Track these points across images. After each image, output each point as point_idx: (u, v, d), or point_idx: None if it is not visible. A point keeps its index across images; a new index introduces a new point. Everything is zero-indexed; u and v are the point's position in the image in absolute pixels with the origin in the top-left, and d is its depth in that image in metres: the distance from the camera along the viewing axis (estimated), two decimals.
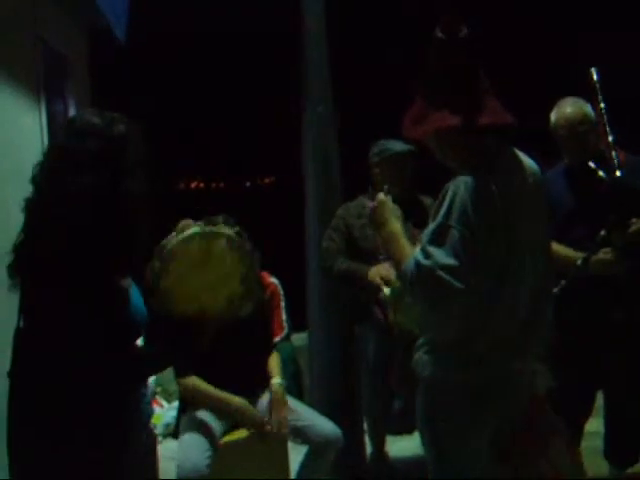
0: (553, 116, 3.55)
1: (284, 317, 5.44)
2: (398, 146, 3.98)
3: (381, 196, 2.65)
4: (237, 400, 3.46)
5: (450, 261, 2.23)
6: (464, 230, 2.26)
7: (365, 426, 4.45)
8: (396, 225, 2.53)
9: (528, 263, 2.42)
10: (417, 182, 4.12)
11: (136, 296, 2.25)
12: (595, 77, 3.40)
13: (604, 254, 3.30)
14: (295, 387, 5.19)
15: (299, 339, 5.41)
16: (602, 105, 3.36)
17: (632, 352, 3.49)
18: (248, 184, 52.20)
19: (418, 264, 2.28)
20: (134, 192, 2.08)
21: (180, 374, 3.54)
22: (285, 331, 5.42)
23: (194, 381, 3.48)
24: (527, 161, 2.55)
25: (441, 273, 2.22)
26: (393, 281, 3.15)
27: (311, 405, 4.09)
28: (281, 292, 5.44)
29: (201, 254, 2.25)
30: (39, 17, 4.27)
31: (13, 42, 3.91)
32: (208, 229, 2.31)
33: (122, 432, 2.16)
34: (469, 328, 2.39)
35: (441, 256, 2.25)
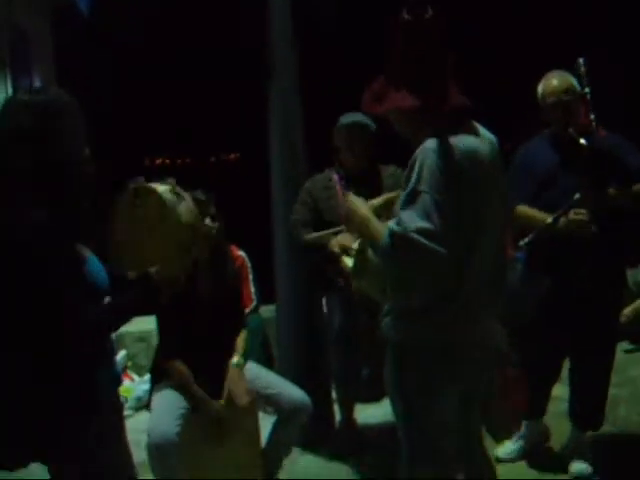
0: (540, 87, 3.74)
1: (252, 289, 5.49)
2: (352, 118, 4.08)
3: (349, 197, 2.69)
4: (214, 404, 3.50)
5: (424, 224, 2.28)
6: (435, 194, 2.30)
7: (334, 394, 4.54)
8: (363, 211, 2.56)
9: (491, 229, 2.50)
10: (381, 151, 4.20)
11: (95, 264, 2.30)
12: (582, 66, 3.64)
13: (575, 214, 3.47)
14: (264, 358, 5.26)
15: (267, 311, 5.47)
16: (587, 90, 3.62)
17: (597, 318, 3.67)
18: (213, 159, 51.84)
19: (392, 232, 2.32)
20: (71, 160, 2.17)
21: (165, 356, 3.59)
22: (254, 303, 5.47)
23: (178, 367, 3.50)
24: (487, 134, 2.62)
25: (416, 236, 2.26)
26: (353, 250, 3.22)
27: (280, 375, 4.17)
28: (249, 265, 5.50)
29: (147, 211, 2.30)
30: None
31: None
32: (148, 186, 2.35)
33: (88, 397, 2.23)
34: (441, 292, 2.45)
35: (414, 220, 2.29)
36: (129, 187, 2.33)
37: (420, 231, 2.27)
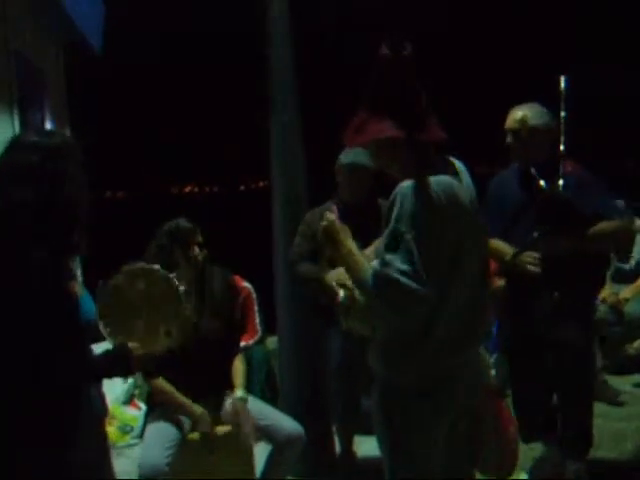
0: (506, 121, 3.73)
1: (257, 320, 5.51)
2: (352, 158, 4.11)
3: (329, 216, 2.76)
4: (197, 409, 3.55)
5: (406, 266, 2.34)
6: (415, 234, 2.36)
7: (334, 426, 4.54)
8: (347, 243, 2.63)
9: (471, 259, 2.55)
10: (380, 185, 4.23)
11: (88, 302, 2.38)
12: (562, 85, 3.60)
13: (526, 257, 3.57)
14: (269, 389, 5.28)
15: (273, 342, 5.49)
16: (563, 114, 3.58)
17: (567, 351, 3.74)
18: (242, 188, 52.20)
19: (375, 273, 2.40)
20: (71, 198, 2.23)
21: (147, 376, 3.66)
22: (259, 334, 5.49)
23: (159, 383, 3.59)
24: (462, 169, 2.68)
25: (399, 277, 2.33)
26: (348, 285, 3.26)
27: (281, 406, 4.19)
28: (254, 296, 5.53)
29: (142, 291, 2.40)
30: (13, 31, 4.36)
31: None
32: (146, 268, 2.45)
33: (69, 431, 2.26)
34: (420, 327, 2.49)
35: (397, 262, 2.35)
36: (131, 268, 2.43)
37: (403, 272, 2.33)
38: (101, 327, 2.36)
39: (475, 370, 2.69)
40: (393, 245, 2.39)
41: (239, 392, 3.67)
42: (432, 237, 2.40)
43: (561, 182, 3.53)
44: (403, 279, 2.33)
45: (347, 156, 4.15)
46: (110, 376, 2.40)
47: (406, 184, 2.45)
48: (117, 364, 2.32)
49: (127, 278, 2.41)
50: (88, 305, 2.38)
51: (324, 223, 2.72)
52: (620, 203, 5.29)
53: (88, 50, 5.36)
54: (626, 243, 5.06)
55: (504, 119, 3.73)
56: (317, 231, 4.11)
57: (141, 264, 2.46)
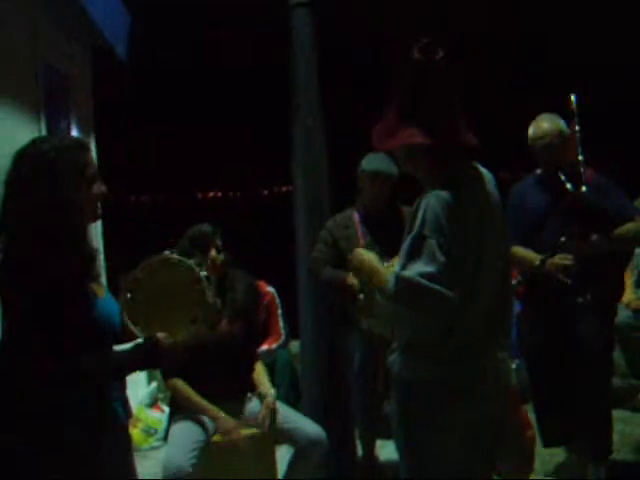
0: (531, 129, 3.86)
1: (281, 324, 5.56)
2: (375, 165, 4.14)
3: (358, 252, 2.79)
4: (213, 408, 3.59)
5: (430, 269, 2.36)
6: (440, 238, 2.39)
7: (356, 430, 4.56)
8: (370, 263, 2.66)
9: (494, 266, 2.57)
10: (403, 192, 4.25)
11: (110, 302, 2.41)
12: (574, 102, 3.74)
13: (559, 259, 3.63)
14: (293, 393, 5.30)
15: (296, 346, 5.53)
16: (577, 128, 3.71)
17: (589, 353, 3.76)
18: (265, 192, 52.38)
19: (397, 277, 2.42)
20: (71, 199, 2.28)
21: (165, 377, 3.72)
22: (282, 338, 5.53)
23: (178, 384, 3.64)
24: (489, 176, 2.70)
25: (422, 281, 2.35)
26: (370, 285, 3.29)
27: (303, 409, 4.22)
28: (278, 300, 5.57)
29: (163, 282, 2.43)
30: (40, 38, 4.43)
31: (14, 63, 4.07)
32: (170, 258, 2.48)
33: (91, 433, 2.30)
34: (443, 329, 2.51)
35: (420, 265, 2.37)
36: (159, 257, 2.47)
37: (426, 275, 2.36)
38: (127, 321, 2.38)
39: (497, 374, 2.68)
40: (417, 249, 2.41)
41: (270, 390, 3.73)
42: (455, 242, 2.41)
43: (584, 188, 3.61)
44: (425, 282, 2.35)
45: (370, 163, 4.18)
46: (141, 368, 2.42)
47: (432, 192, 2.48)
48: (146, 356, 2.34)
49: (147, 270, 2.42)
50: (111, 306, 2.41)
51: (355, 258, 2.76)
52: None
53: (114, 57, 5.43)
54: None
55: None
56: (338, 238, 4.18)
57: (159, 255, 2.47)
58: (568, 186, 3.66)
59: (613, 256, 3.76)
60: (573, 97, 3.73)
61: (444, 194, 2.45)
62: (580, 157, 3.65)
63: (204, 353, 3.58)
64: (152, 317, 2.39)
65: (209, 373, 3.62)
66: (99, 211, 2.43)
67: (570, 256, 3.62)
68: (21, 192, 2.27)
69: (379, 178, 4.14)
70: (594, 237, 3.67)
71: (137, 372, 2.44)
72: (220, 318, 3.72)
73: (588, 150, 3.68)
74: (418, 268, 2.37)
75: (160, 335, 2.35)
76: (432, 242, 2.39)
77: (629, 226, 3.71)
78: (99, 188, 2.39)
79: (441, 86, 2.53)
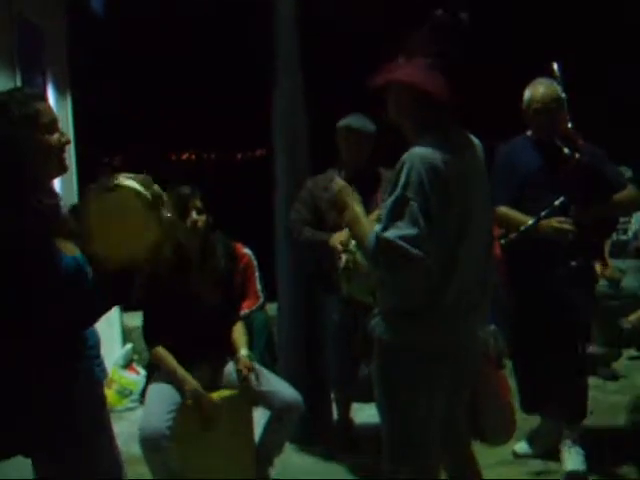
0: (527, 93, 3.83)
1: (259, 287, 5.53)
2: (349, 120, 4.13)
3: (339, 182, 2.76)
4: (191, 381, 3.54)
5: (410, 231, 2.35)
6: (422, 201, 2.37)
7: (332, 393, 4.58)
8: (357, 209, 2.62)
9: (478, 231, 2.56)
10: (383, 154, 4.23)
11: (81, 261, 2.34)
12: (556, 70, 3.75)
13: (559, 222, 3.61)
14: (269, 356, 5.31)
15: (273, 309, 5.52)
16: (563, 95, 3.71)
17: (567, 315, 3.79)
18: (239, 156, 52.08)
19: (378, 237, 2.39)
20: (22, 149, 2.23)
21: (148, 343, 3.69)
22: (260, 300, 5.51)
23: (160, 352, 3.61)
24: (479, 146, 2.69)
25: (401, 243, 2.34)
26: (351, 249, 3.26)
27: (279, 372, 4.21)
28: (255, 263, 5.55)
29: (113, 206, 2.33)
30: None
31: None
32: (116, 182, 2.37)
33: (68, 392, 2.28)
34: (426, 296, 2.51)
35: (401, 227, 2.36)
36: (105, 182, 2.36)
37: (406, 238, 2.34)
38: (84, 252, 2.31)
39: (478, 340, 2.73)
40: (399, 211, 2.39)
41: (243, 350, 3.69)
42: (438, 206, 2.40)
43: (577, 154, 3.64)
44: (405, 245, 2.34)
45: (345, 120, 4.17)
46: (109, 304, 2.38)
47: (415, 152, 2.44)
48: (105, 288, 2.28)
49: (95, 197, 2.33)
50: (81, 265, 2.34)
51: (335, 186, 2.72)
52: (625, 169, 5.37)
53: (90, 13, 5.32)
54: (635, 211, 5.13)
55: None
56: (319, 199, 4.14)
57: (104, 180, 2.38)
58: (566, 150, 3.65)
59: (603, 223, 3.78)
60: (555, 65, 3.73)
61: (429, 155, 2.42)
62: (570, 124, 3.66)
63: (184, 317, 3.56)
64: (110, 246, 2.30)
65: (189, 337, 3.59)
66: (64, 163, 2.37)
67: (569, 220, 3.61)
68: None
69: (353, 134, 4.12)
70: (595, 203, 3.70)
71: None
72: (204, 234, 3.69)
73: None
74: (399, 231, 2.36)
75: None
76: (414, 205, 2.37)
77: (625, 194, 3.76)
78: (59, 138, 2.32)
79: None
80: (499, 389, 3.67)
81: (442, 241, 2.43)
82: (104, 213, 2.27)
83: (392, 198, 2.43)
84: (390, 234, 2.36)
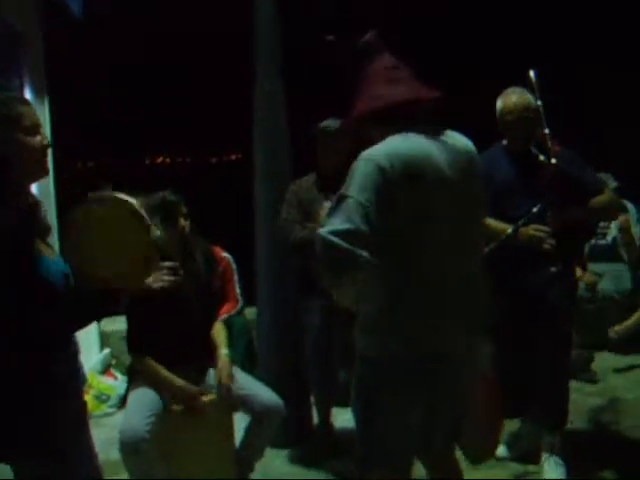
0: (499, 103, 3.84)
1: (238, 290, 5.52)
2: (327, 122, 4.15)
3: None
4: (178, 379, 3.54)
5: (342, 227, 2.32)
6: (359, 198, 2.35)
7: (312, 397, 4.57)
8: None
9: (447, 236, 2.49)
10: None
11: (59, 264, 2.31)
12: (533, 77, 3.72)
13: (535, 230, 3.63)
14: (248, 360, 5.30)
15: (252, 313, 5.50)
16: (539, 102, 3.71)
17: (550, 319, 3.80)
18: (214, 160, 52.03)
19: (318, 235, 2.38)
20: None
21: (131, 348, 3.66)
22: (239, 304, 5.50)
23: (144, 358, 3.59)
24: (460, 141, 2.64)
25: (332, 238, 2.30)
26: None
27: (260, 376, 4.20)
28: (234, 266, 5.53)
29: (101, 221, 2.31)
30: None
31: None
32: (106, 196, 2.35)
33: (45, 398, 2.26)
34: (385, 302, 2.49)
35: (334, 223, 2.34)
36: (96, 196, 2.35)
37: (338, 233, 2.31)
38: (72, 266, 2.28)
39: (462, 350, 2.61)
40: (336, 208, 2.39)
41: (223, 350, 3.67)
42: (384, 205, 2.38)
43: (554, 160, 3.61)
44: (335, 239, 2.31)
45: (322, 123, 4.19)
46: (94, 317, 2.37)
47: (363, 155, 2.47)
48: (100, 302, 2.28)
49: (83, 210, 2.31)
50: (59, 268, 2.31)
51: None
52: (607, 176, 5.42)
53: (69, 15, 5.25)
54: (615, 215, 5.14)
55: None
56: (303, 201, 4.14)
57: (95, 194, 2.35)
58: (542, 158, 3.66)
59: (581, 228, 3.79)
60: (532, 72, 3.72)
61: (375, 156, 2.43)
62: (546, 130, 3.66)
63: (165, 322, 3.54)
64: (97, 260, 2.28)
65: (171, 342, 3.56)
66: (46, 166, 2.34)
67: (545, 227, 3.62)
68: None
69: (325, 134, 4.13)
70: (572, 208, 3.70)
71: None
72: (188, 239, 3.68)
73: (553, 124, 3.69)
74: (331, 226, 2.34)
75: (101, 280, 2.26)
76: (350, 201, 2.36)
77: (601, 198, 3.75)
78: (41, 140, 2.30)
79: (364, 63, 2.63)
80: (490, 407, 3.55)
81: (390, 239, 2.42)
82: (97, 225, 2.27)
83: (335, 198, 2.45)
84: (323, 230, 2.35)
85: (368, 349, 2.57)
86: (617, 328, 5.61)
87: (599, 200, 3.75)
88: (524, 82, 3.77)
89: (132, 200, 2.34)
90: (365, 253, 2.31)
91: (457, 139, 2.65)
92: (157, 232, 2.41)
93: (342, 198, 2.39)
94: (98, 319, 2.37)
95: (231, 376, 3.60)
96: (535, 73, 3.73)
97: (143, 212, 2.33)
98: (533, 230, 3.63)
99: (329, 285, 2.48)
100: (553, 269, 3.70)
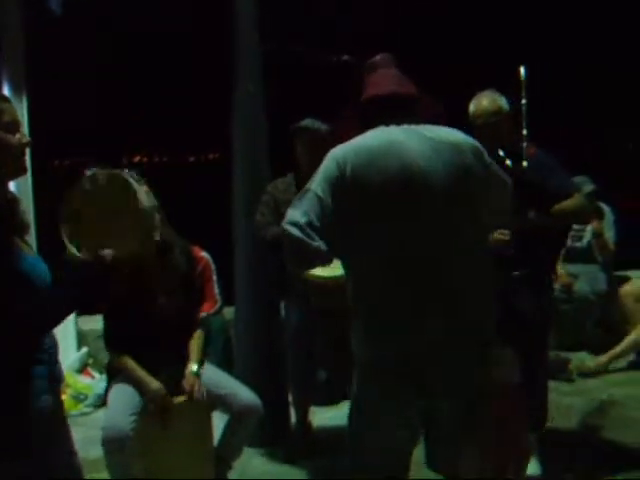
0: (470, 107, 3.85)
1: (216, 290, 5.51)
2: (305, 121, 4.15)
3: None
4: (153, 381, 3.50)
5: (297, 217, 2.37)
6: (317, 190, 2.41)
7: (290, 396, 4.58)
8: None
9: (434, 232, 2.46)
10: None
11: (38, 261, 2.30)
12: (523, 74, 3.72)
13: (498, 234, 3.62)
14: (226, 359, 5.28)
15: (230, 312, 5.49)
16: (524, 101, 3.70)
17: (525, 325, 3.76)
18: (192, 159, 51.80)
19: (281, 226, 2.45)
20: None
21: (109, 347, 3.65)
22: (218, 304, 5.49)
23: (121, 357, 3.57)
24: (444, 135, 2.58)
25: (290, 228, 2.36)
26: None
27: (237, 375, 4.20)
28: (213, 266, 5.52)
29: (95, 196, 2.32)
30: None
31: None
32: (100, 171, 2.37)
33: (19, 396, 2.24)
34: (361, 306, 2.51)
35: (293, 215, 2.39)
36: (90, 173, 2.36)
37: (294, 223, 2.37)
38: (67, 245, 2.28)
39: (460, 360, 2.51)
40: (297, 200, 2.45)
41: (193, 366, 3.62)
42: (345, 200, 2.42)
43: (525, 163, 3.63)
44: (290, 228, 2.37)
45: (299, 123, 4.18)
46: (85, 299, 2.35)
47: (330, 152, 2.53)
48: (92, 280, 2.25)
49: (85, 179, 2.32)
50: (39, 265, 2.30)
51: None
52: (584, 180, 5.46)
53: (47, 11, 5.23)
54: (586, 220, 5.16)
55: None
56: (280, 201, 4.14)
57: (95, 170, 2.36)
58: (508, 162, 3.64)
59: (550, 234, 3.78)
60: (522, 69, 3.72)
61: (339, 151, 2.49)
62: (525, 131, 3.66)
63: (145, 321, 3.52)
64: (91, 237, 2.28)
65: (150, 341, 3.54)
66: (24, 164, 2.31)
67: (507, 231, 3.61)
68: None
69: (305, 133, 4.13)
70: (531, 213, 3.70)
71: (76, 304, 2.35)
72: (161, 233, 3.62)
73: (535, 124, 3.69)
74: (289, 217, 2.40)
75: (104, 252, 2.25)
76: (310, 194, 2.41)
77: (567, 203, 3.72)
78: (20, 138, 2.27)
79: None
80: (508, 422, 3.18)
81: (353, 234, 2.44)
82: (95, 198, 2.28)
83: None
84: (283, 221, 2.41)
85: (353, 348, 2.58)
86: (600, 360, 5.67)
87: (566, 204, 3.70)
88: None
89: (125, 174, 2.40)
90: (320, 244, 2.35)
91: (442, 134, 2.58)
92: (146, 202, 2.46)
93: (305, 191, 2.44)
94: (81, 306, 2.34)
95: (198, 391, 3.55)
96: (525, 70, 3.72)
97: (134, 183, 2.37)
98: (497, 234, 3.62)
99: (294, 275, 2.55)
100: (516, 273, 3.68)
